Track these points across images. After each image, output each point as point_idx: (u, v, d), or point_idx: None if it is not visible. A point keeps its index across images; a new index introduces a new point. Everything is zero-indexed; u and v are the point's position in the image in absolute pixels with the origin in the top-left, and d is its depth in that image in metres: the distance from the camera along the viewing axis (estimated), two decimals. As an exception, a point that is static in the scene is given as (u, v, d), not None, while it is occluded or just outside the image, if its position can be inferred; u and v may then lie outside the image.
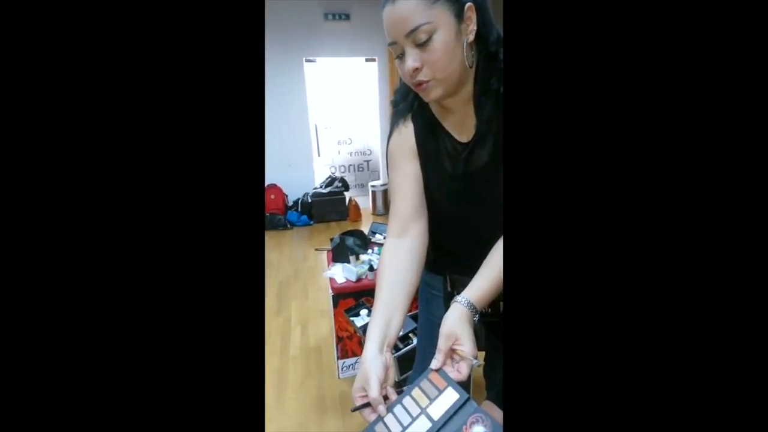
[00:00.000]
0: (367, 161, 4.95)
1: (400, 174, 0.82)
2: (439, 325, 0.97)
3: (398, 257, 0.80)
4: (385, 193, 4.37)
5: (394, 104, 0.83)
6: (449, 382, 0.61)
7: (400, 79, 0.77)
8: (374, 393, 0.63)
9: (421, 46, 0.63)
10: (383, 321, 0.74)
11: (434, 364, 0.65)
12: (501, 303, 0.87)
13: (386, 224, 2.19)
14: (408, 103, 0.80)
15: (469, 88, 0.70)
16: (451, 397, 0.59)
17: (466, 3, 0.64)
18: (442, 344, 0.66)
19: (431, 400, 0.60)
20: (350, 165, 4.92)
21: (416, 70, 0.64)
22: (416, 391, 0.62)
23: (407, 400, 0.62)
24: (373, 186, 4.49)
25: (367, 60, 4.44)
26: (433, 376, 0.63)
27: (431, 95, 0.67)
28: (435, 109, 0.78)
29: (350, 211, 4.35)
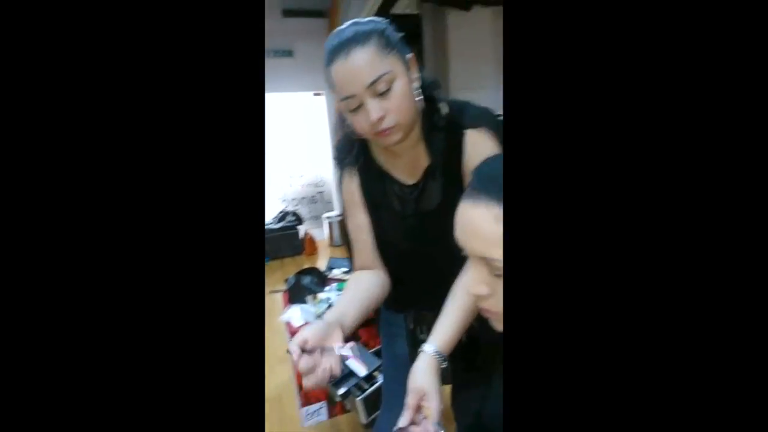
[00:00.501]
0: (320, 192, 4.92)
1: (354, 224, 0.85)
2: (403, 362, 0.96)
3: (362, 276, 0.82)
4: (342, 223, 4.33)
5: (339, 160, 0.84)
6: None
7: (343, 134, 0.79)
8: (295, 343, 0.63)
9: (382, 95, 0.64)
10: (338, 311, 0.74)
11: (402, 422, 0.64)
12: (465, 335, 0.87)
13: (343, 258, 2.16)
14: (353, 157, 0.81)
15: (416, 131, 0.73)
16: None
17: (408, 53, 0.68)
18: (411, 400, 0.65)
19: None
20: (303, 197, 4.86)
21: (381, 119, 0.65)
22: None
23: None
24: (328, 217, 4.44)
25: (315, 94, 4.49)
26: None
27: (393, 139, 0.69)
28: (382, 158, 0.80)
29: (305, 244, 4.26)
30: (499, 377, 0.61)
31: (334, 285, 1.92)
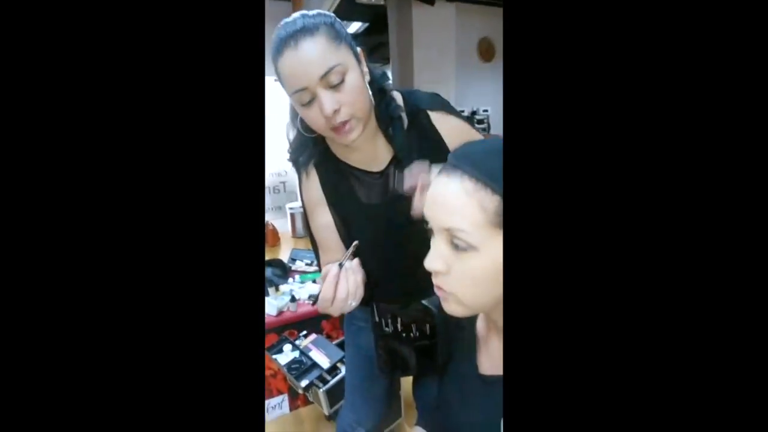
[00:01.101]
0: (283, 182, 4.82)
1: (318, 223, 0.83)
2: (368, 356, 0.97)
3: None
4: (306, 222, 4.26)
5: (293, 160, 0.82)
6: None
7: (297, 133, 0.77)
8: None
9: (335, 87, 0.63)
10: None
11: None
12: (428, 325, 0.89)
13: (307, 249, 2.13)
14: (307, 156, 0.79)
15: (372, 124, 0.72)
16: None
17: (357, 48, 0.67)
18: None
19: None
20: (265, 187, 4.75)
21: (336, 112, 0.63)
22: None
23: None
24: (291, 208, 4.37)
25: (275, 80, 4.35)
26: None
27: (352, 135, 0.67)
28: (340, 152, 0.79)
29: (267, 236, 4.17)
30: (455, 365, 0.63)
31: (297, 277, 1.90)
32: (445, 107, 0.80)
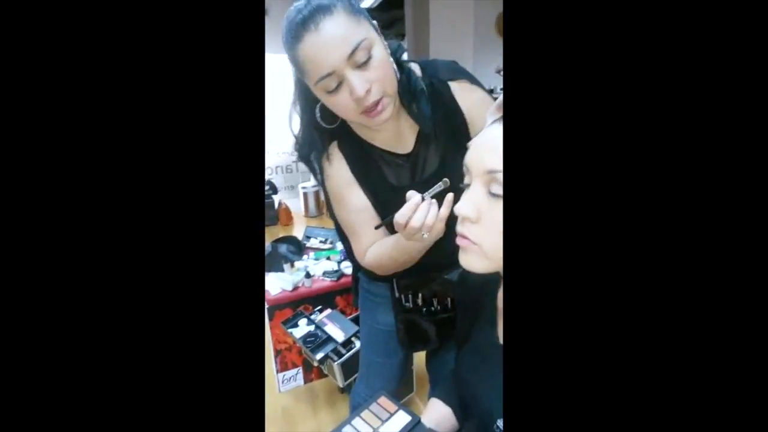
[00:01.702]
0: (296, 162, 4.82)
1: (347, 210, 0.77)
2: (384, 332, 0.98)
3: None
4: (317, 194, 4.28)
5: (303, 155, 0.76)
6: (399, 405, 0.62)
7: (305, 126, 0.72)
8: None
9: (363, 66, 0.59)
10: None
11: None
12: (449, 299, 0.89)
13: (321, 227, 2.14)
14: (321, 143, 0.74)
15: (396, 103, 0.68)
16: (402, 419, 0.60)
17: (373, 20, 0.64)
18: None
19: (383, 421, 0.60)
20: (277, 167, 4.75)
21: (368, 92, 0.60)
22: (366, 414, 0.62)
23: (357, 421, 0.60)
24: (304, 188, 4.38)
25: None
26: (383, 400, 0.64)
27: (385, 115, 0.64)
28: (363, 134, 0.76)
29: (280, 215, 4.20)
30: (475, 335, 0.63)
31: (312, 254, 1.92)
32: (466, 76, 0.77)
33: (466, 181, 0.49)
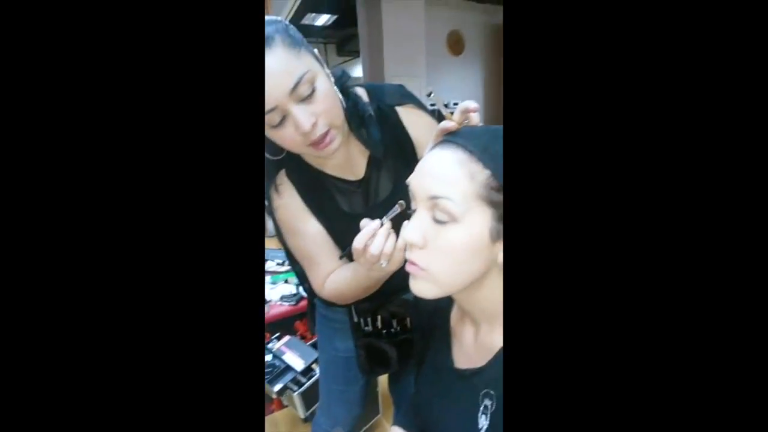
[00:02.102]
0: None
1: (302, 241, 0.74)
2: (344, 358, 0.93)
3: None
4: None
5: None
6: None
7: None
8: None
9: (307, 98, 0.57)
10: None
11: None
12: (408, 319, 0.87)
13: (278, 249, 2.07)
14: (268, 174, 0.72)
15: (344, 128, 0.66)
16: None
17: (314, 50, 0.62)
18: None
19: None
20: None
21: (314, 126, 0.58)
22: None
23: None
24: (260, 206, 4.25)
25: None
26: None
27: (333, 146, 0.62)
28: (312, 162, 0.73)
29: (237, 235, 4.04)
30: (431, 359, 0.61)
31: (269, 278, 1.83)
32: (413, 100, 0.76)
33: (412, 206, 0.48)
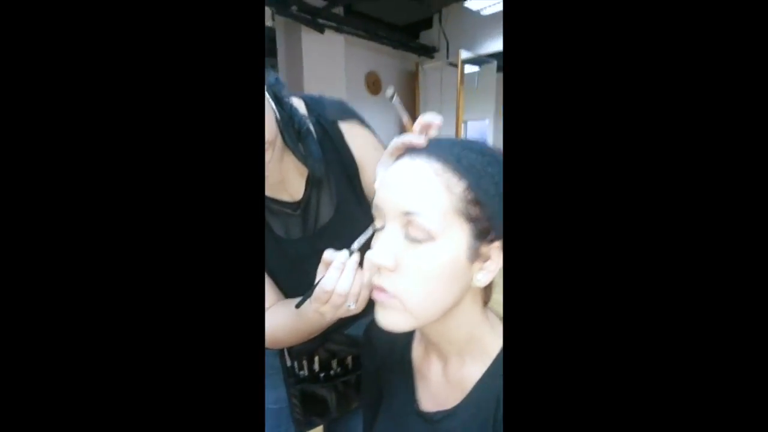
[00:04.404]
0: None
1: None
2: (274, 410, 0.81)
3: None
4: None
5: None
6: None
7: None
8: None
9: None
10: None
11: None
12: (350, 357, 0.79)
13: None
14: None
15: (278, 141, 0.60)
16: None
17: None
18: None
19: None
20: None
21: None
22: None
23: None
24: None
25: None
26: None
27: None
28: None
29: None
30: (388, 402, 0.54)
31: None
32: (356, 117, 0.72)
33: (377, 224, 0.43)
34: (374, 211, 0.43)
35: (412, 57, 4.68)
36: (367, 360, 0.59)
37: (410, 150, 0.43)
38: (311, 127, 0.65)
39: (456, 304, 0.42)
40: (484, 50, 4.08)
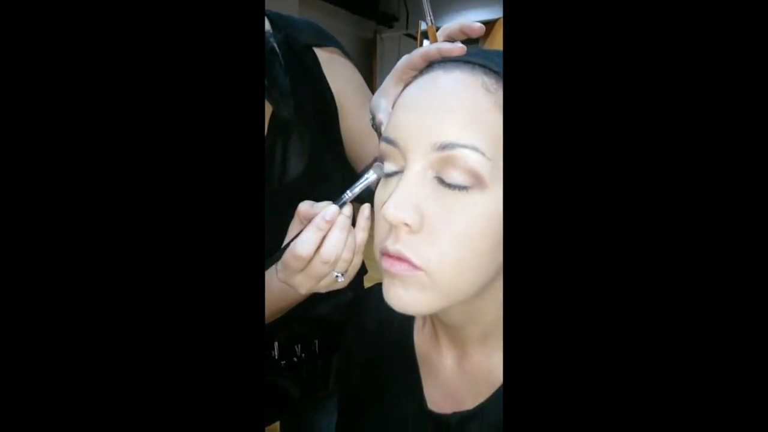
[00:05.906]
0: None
1: None
2: None
3: None
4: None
5: None
6: None
7: None
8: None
9: None
10: None
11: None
12: (316, 341, 0.67)
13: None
14: None
15: None
16: None
17: None
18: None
19: None
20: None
21: None
22: None
23: None
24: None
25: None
26: None
27: None
28: None
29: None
30: (390, 400, 0.43)
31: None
32: (334, 43, 0.57)
33: (387, 167, 0.31)
34: (384, 148, 0.31)
35: (370, 24, 4.47)
36: (353, 348, 0.47)
37: (437, 64, 0.31)
38: (276, 47, 0.50)
39: (495, 278, 0.31)
40: (446, 23, 3.97)
